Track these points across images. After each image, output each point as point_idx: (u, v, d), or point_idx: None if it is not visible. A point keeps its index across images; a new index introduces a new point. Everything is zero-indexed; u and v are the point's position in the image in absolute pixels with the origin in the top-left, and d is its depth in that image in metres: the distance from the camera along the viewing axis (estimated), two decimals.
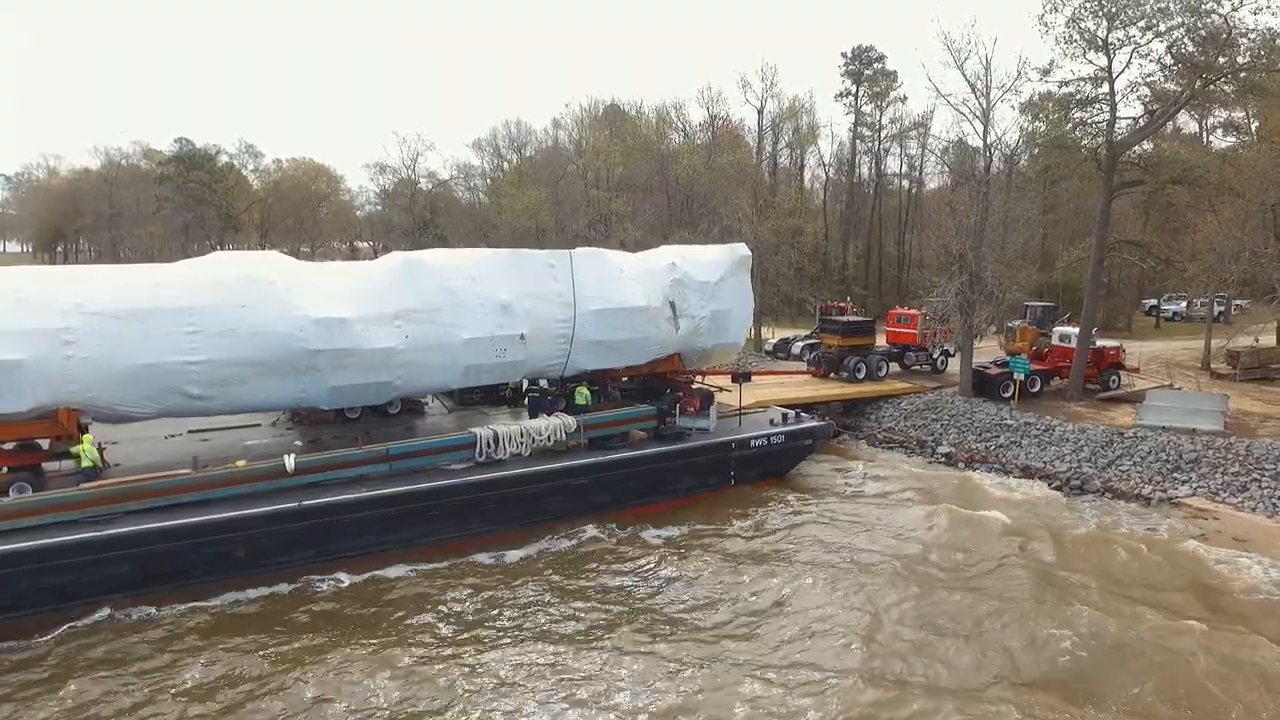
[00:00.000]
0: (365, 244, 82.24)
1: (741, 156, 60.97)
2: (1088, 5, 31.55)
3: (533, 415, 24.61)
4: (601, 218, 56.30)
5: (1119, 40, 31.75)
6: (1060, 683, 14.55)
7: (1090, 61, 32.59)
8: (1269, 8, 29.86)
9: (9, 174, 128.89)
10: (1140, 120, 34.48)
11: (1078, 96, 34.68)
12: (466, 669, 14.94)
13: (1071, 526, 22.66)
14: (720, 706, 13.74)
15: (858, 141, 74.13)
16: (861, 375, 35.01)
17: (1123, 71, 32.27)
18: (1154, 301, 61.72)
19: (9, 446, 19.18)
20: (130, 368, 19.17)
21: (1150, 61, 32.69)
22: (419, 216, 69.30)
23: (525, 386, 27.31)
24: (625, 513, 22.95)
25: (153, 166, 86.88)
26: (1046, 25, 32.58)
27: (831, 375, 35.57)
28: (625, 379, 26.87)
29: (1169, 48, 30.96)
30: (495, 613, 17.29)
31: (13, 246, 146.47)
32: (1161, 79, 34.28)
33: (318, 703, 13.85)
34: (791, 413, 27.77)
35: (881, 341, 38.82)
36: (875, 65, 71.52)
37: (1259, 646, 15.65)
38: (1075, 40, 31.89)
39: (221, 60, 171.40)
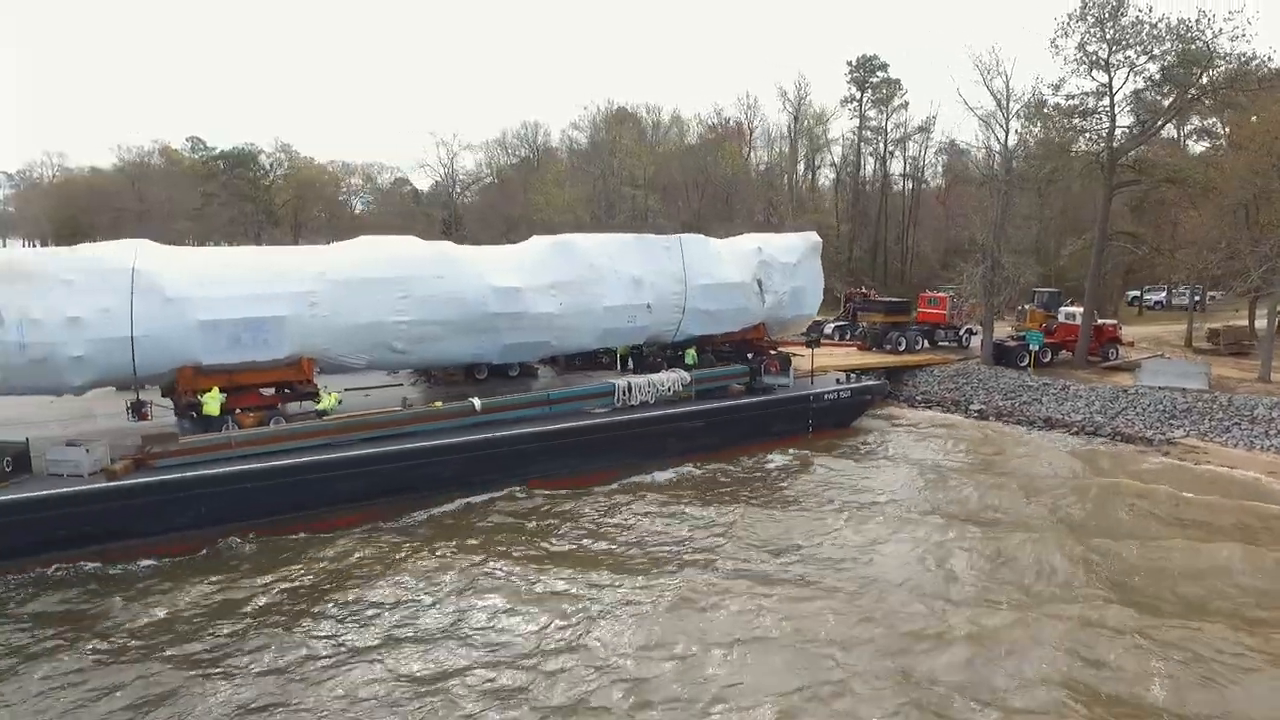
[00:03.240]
0: None
1: (734, 159, 65.76)
2: (1093, 31, 37.24)
3: (638, 371, 29.60)
4: (638, 215, 61.17)
5: (1118, 61, 37.50)
6: None
7: (1094, 78, 38.32)
8: (1244, 35, 35.79)
9: (10, 171, 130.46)
10: (1133, 129, 40.25)
11: (1080, 108, 40.39)
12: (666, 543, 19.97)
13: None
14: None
15: (862, 144, 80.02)
16: (901, 348, 40.57)
17: (1122, 87, 38.06)
18: (1137, 292, 67.99)
19: (267, 389, 23.68)
20: (356, 325, 23.88)
21: (1144, 79, 38.61)
22: (454, 212, 73.84)
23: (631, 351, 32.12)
24: (732, 450, 27.91)
25: (188, 164, 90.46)
26: (1057, 48, 38.31)
27: (873, 349, 41.02)
28: (725, 345, 31.84)
29: (1161, 69, 36.68)
30: (670, 514, 22.23)
31: (14, 244, 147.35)
32: (1152, 94, 40.18)
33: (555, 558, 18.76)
34: (853, 375, 33.06)
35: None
36: (879, 74, 77.34)
37: None
38: (1082, 61, 37.53)
39: (216, 58, 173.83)
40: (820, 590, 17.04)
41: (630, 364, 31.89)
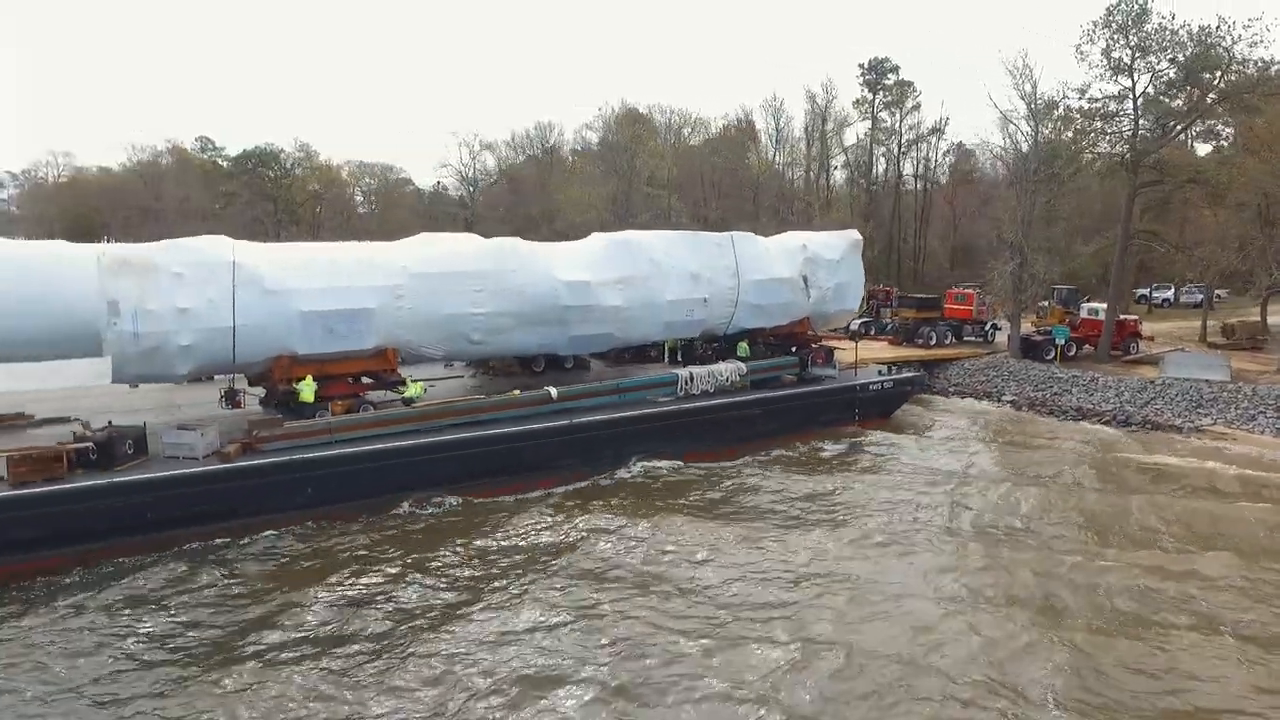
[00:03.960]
0: None
1: (760, 159, 67.10)
2: (1117, 38, 38.72)
3: (685, 363, 30.87)
4: (660, 215, 62.37)
5: (1141, 66, 39.01)
6: None
7: (1118, 82, 39.82)
8: (1261, 41, 37.37)
9: (14, 171, 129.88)
10: (1153, 131, 41.74)
11: (1102, 111, 41.89)
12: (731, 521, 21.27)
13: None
14: None
15: (874, 145, 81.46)
16: (932, 342, 42.07)
17: (1145, 91, 39.52)
18: (1145, 290, 69.78)
19: (353, 379, 24.73)
20: (438, 317, 25.02)
21: (1163, 83, 40.08)
22: (475, 211, 74.91)
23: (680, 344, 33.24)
24: (787, 437, 29.10)
25: (199, 164, 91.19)
26: (1082, 54, 39.77)
27: (904, 343, 42.52)
28: (772, 338, 33.11)
29: (1185, 74, 38.20)
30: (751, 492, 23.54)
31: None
32: (1168, 97, 41.70)
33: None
34: (891, 367, 34.45)
35: None
36: (891, 76, 78.83)
37: None
38: (1107, 66, 38.99)
39: (220, 58, 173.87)
40: (954, 546, 18.93)
41: (679, 356, 33.06)
